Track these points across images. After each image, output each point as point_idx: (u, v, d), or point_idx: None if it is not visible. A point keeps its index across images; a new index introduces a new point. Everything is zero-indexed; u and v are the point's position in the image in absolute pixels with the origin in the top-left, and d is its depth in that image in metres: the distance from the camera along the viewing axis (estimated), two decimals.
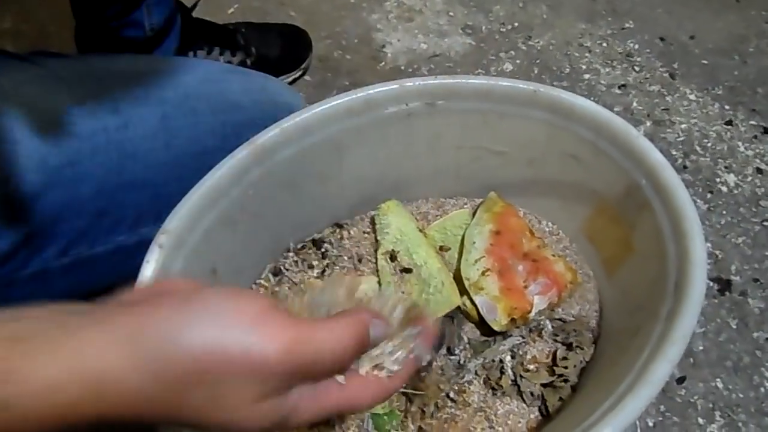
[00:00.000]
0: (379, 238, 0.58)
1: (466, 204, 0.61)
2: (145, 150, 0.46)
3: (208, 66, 0.55)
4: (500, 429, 0.50)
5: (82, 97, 0.44)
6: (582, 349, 0.52)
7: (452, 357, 0.53)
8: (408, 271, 0.55)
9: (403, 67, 0.91)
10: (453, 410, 0.50)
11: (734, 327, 0.67)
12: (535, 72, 0.89)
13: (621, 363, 0.43)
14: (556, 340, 0.53)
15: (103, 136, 0.44)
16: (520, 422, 0.49)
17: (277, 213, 0.53)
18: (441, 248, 0.58)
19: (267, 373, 0.27)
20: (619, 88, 0.86)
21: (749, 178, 0.78)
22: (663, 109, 0.84)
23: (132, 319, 0.26)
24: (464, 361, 0.52)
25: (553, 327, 0.54)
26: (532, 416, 0.50)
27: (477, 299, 0.52)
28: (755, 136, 0.81)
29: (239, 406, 0.27)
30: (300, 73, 0.88)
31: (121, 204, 0.47)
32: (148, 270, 0.42)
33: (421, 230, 0.57)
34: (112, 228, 0.47)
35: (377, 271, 0.56)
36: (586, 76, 0.88)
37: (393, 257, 0.56)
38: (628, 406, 0.36)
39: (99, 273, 0.48)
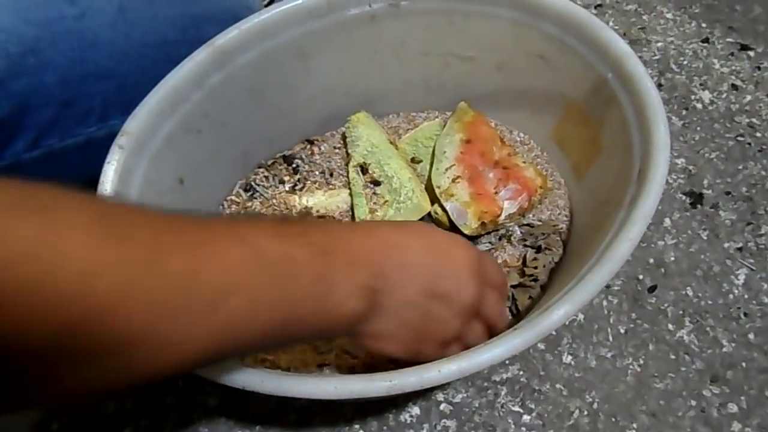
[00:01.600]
0: (350, 150, 0.57)
1: (437, 117, 0.61)
2: (106, 39, 0.45)
3: None
4: None
5: None
6: (551, 250, 0.53)
7: None
8: (378, 183, 0.55)
9: None
10: None
11: (705, 238, 0.67)
12: None
13: (586, 254, 0.43)
14: (525, 245, 0.54)
15: (61, 25, 0.43)
16: None
17: (244, 123, 0.52)
18: (413, 160, 0.58)
19: None
20: (596, 8, 0.85)
21: (724, 95, 0.77)
22: (639, 28, 0.83)
23: None
24: None
25: (522, 233, 0.54)
26: None
27: (447, 205, 0.52)
28: (731, 54, 0.81)
29: None
30: None
31: (87, 94, 0.46)
32: (110, 171, 0.41)
33: (392, 142, 0.57)
34: (81, 119, 0.47)
35: (349, 184, 0.56)
36: None
37: (364, 169, 0.56)
38: (589, 282, 0.36)
39: (72, 166, 0.48)
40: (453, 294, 0.36)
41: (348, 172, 0.56)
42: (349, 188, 0.56)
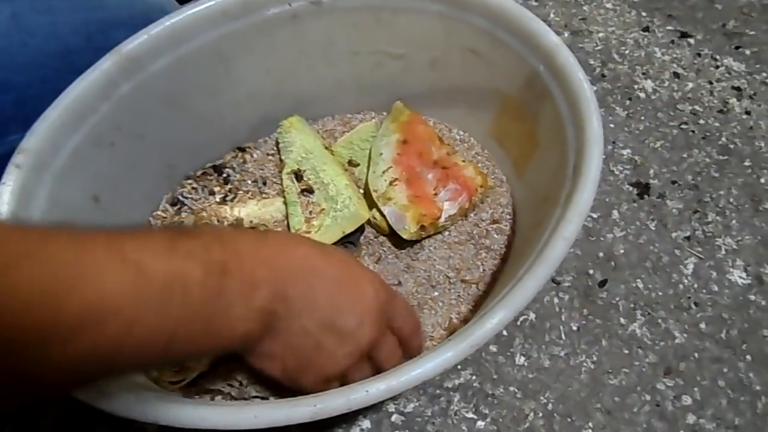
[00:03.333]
0: (283, 157, 0.55)
1: (373, 118, 0.59)
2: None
3: None
4: None
5: None
6: (493, 251, 0.51)
7: None
8: (312, 191, 0.52)
9: None
10: None
11: (653, 229, 0.67)
12: None
13: (525, 254, 0.41)
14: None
15: None
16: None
17: (165, 134, 0.49)
18: (350, 163, 0.56)
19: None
20: (536, 0, 0.84)
21: (666, 83, 0.77)
22: (580, 19, 0.82)
23: None
24: None
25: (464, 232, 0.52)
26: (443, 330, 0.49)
27: (385, 209, 0.50)
28: (672, 41, 0.81)
29: None
30: None
31: None
32: (5, 193, 0.38)
33: (327, 147, 0.54)
34: None
35: (283, 192, 0.53)
36: None
37: (299, 176, 0.53)
38: (525, 286, 0.34)
39: None
40: (350, 333, 0.34)
41: (282, 180, 0.54)
42: (284, 196, 0.53)
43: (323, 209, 0.51)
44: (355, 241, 0.51)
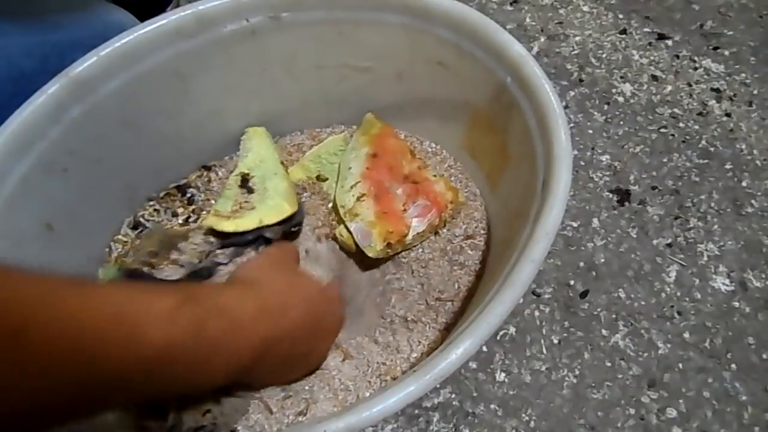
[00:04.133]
0: (239, 162, 0.53)
1: (343, 132, 0.57)
2: None
3: None
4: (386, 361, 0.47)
5: None
6: (468, 268, 0.50)
7: None
8: (250, 192, 0.50)
9: None
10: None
11: (635, 236, 0.65)
12: None
13: (497, 272, 0.40)
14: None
15: None
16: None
17: (122, 156, 0.47)
18: (318, 178, 0.54)
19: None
20: (511, 4, 0.83)
21: (645, 86, 0.76)
22: (557, 23, 0.81)
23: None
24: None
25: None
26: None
27: (352, 226, 0.48)
28: (650, 44, 0.80)
29: None
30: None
31: None
32: None
33: (283, 163, 0.53)
34: None
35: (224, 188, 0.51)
36: None
37: (245, 180, 0.50)
38: (492, 312, 0.33)
39: None
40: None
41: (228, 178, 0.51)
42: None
43: (253, 207, 0.49)
44: (293, 231, 0.50)
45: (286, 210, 0.47)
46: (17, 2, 0.47)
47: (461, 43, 0.44)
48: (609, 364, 0.58)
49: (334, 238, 0.51)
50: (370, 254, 0.47)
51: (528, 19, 0.81)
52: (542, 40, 0.79)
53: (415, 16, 0.44)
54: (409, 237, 0.48)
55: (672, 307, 0.61)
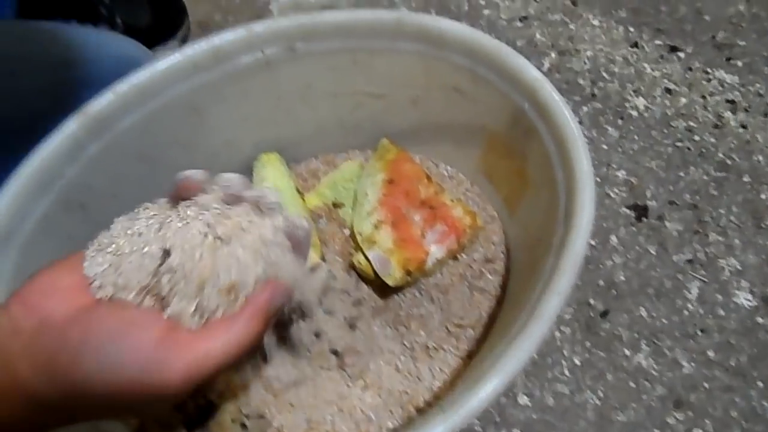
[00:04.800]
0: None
1: (357, 156, 0.57)
2: None
3: (28, 24, 0.48)
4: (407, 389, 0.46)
5: None
6: (488, 293, 0.49)
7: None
8: None
9: None
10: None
11: (654, 253, 0.65)
12: (433, 13, 0.84)
13: (521, 303, 0.39)
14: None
15: None
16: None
17: (138, 190, 0.46)
18: (334, 205, 0.54)
19: (170, 396, 0.29)
20: (521, 20, 0.82)
21: (658, 100, 0.75)
22: (567, 38, 0.81)
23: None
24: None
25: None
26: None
27: (370, 254, 0.48)
28: (661, 56, 0.79)
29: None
30: (178, 42, 0.80)
31: None
32: None
33: (299, 191, 0.52)
34: None
35: None
36: (486, 11, 0.84)
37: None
38: (520, 348, 0.32)
39: None
40: None
41: None
42: None
43: None
44: None
45: (313, 258, 0.47)
46: (29, 41, 0.47)
47: (476, 69, 0.44)
48: (633, 384, 0.57)
49: (352, 266, 0.51)
50: (390, 283, 0.47)
51: (538, 35, 0.81)
52: (553, 55, 0.79)
53: (429, 43, 0.44)
54: (429, 264, 0.48)
55: (695, 324, 0.60)
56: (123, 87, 0.41)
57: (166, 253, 0.32)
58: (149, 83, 0.42)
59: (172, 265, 0.32)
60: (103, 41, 0.51)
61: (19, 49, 0.45)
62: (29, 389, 0.27)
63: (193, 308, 0.32)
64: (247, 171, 0.54)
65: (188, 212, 0.33)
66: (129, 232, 0.33)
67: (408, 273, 0.47)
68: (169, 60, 0.43)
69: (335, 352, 0.49)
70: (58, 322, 0.28)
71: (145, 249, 0.33)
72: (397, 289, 0.50)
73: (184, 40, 0.81)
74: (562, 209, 0.38)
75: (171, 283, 0.32)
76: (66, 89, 0.45)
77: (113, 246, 0.33)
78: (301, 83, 0.48)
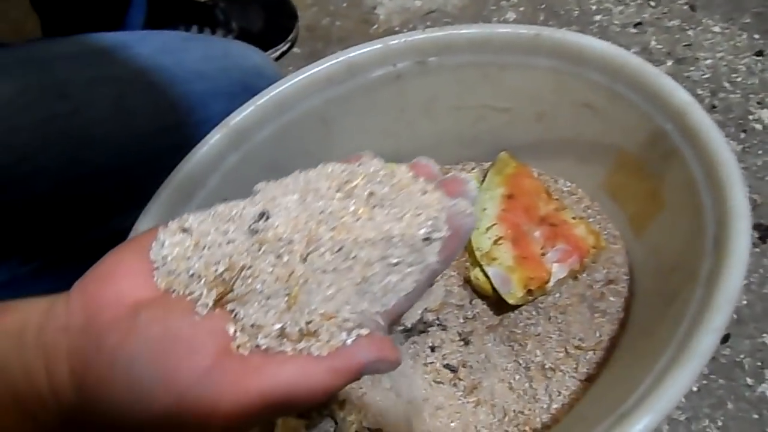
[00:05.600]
0: None
1: (474, 169, 0.56)
2: (102, 135, 0.42)
3: (162, 36, 0.50)
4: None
5: (24, 85, 0.40)
6: (609, 315, 0.48)
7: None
8: None
9: (397, 28, 0.85)
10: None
11: None
12: (541, 18, 0.82)
13: (658, 333, 0.38)
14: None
15: (53, 125, 0.40)
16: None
17: None
18: None
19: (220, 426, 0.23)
20: (635, 26, 0.79)
21: None
22: (685, 45, 0.77)
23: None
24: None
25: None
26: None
27: (490, 271, 0.48)
28: None
29: None
30: (287, 45, 0.82)
31: (84, 198, 0.43)
32: None
33: None
34: (79, 225, 0.43)
35: None
36: (597, 17, 0.81)
37: None
38: (670, 385, 0.31)
39: (71, 275, 0.45)
40: None
41: None
42: None
43: None
44: None
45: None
46: (165, 53, 0.49)
47: (614, 87, 0.42)
48: (756, 416, 0.54)
49: (467, 280, 0.51)
50: (511, 301, 0.46)
51: (653, 42, 0.78)
52: (669, 63, 0.75)
53: (566, 59, 0.43)
54: (550, 284, 0.47)
55: None
56: (262, 99, 0.43)
57: (262, 216, 0.26)
58: (286, 96, 0.43)
59: (270, 227, 0.25)
60: (230, 52, 0.53)
61: (156, 61, 0.47)
62: (63, 400, 0.23)
63: (276, 313, 0.24)
64: None
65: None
66: (221, 209, 0.27)
67: (529, 292, 0.46)
68: (304, 73, 0.44)
69: (449, 367, 0.49)
70: (103, 322, 0.23)
71: (234, 212, 0.27)
72: (513, 307, 0.49)
73: (292, 44, 0.83)
74: (710, 237, 0.37)
75: (257, 265, 0.24)
76: (197, 101, 0.47)
77: (197, 223, 0.27)
78: (427, 96, 0.48)
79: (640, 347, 0.41)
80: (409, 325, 0.49)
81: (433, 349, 0.49)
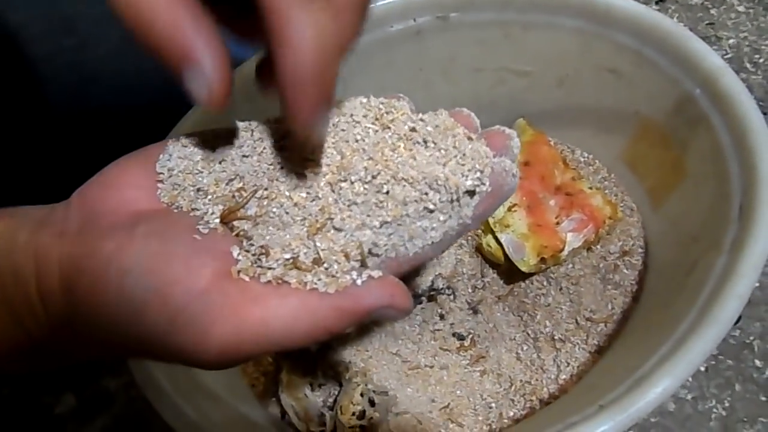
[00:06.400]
0: None
1: None
2: (110, 73, 0.41)
3: None
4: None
5: (29, 17, 0.38)
6: (623, 288, 0.47)
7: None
8: None
9: None
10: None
11: None
12: None
13: (677, 303, 0.37)
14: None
15: (59, 59, 0.39)
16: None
17: None
18: None
19: (200, 367, 0.22)
20: (657, 3, 0.77)
21: None
22: (707, 24, 0.75)
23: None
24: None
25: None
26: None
27: (503, 237, 0.47)
28: None
29: None
30: None
31: (88, 136, 0.42)
32: None
33: None
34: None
35: None
36: None
37: None
38: (690, 349, 0.30)
39: None
40: None
41: None
42: None
43: None
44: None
45: None
46: None
47: (643, 51, 0.41)
48: (763, 398, 0.54)
49: (478, 249, 0.50)
50: (523, 268, 0.45)
51: (676, 19, 0.76)
52: None
53: (593, 19, 0.42)
54: (564, 253, 0.46)
55: None
56: None
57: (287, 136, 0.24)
58: None
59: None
60: None
61: None
62: (51, 306, 0.22)
63: (288, 242, 0.22)
64: None
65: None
66: (241, 125, 0.26)
67: (542, 261, 0.45)
68: None
69: (457, 335, 0.48)
70: (99, 228, 0.22)
71: (255, 130, 0.25)
72: (524, 276, 0.48)
73: None
74: (736, 205, 0.36)
75: (275, 187, 0.23)
76: None
77: (211, 137, 0.25)
78: (446, 55, 0.47)
79: (656, 319, 0.40)
80: (419, 291, 0.48)
81: (442, 316, 0.48)
